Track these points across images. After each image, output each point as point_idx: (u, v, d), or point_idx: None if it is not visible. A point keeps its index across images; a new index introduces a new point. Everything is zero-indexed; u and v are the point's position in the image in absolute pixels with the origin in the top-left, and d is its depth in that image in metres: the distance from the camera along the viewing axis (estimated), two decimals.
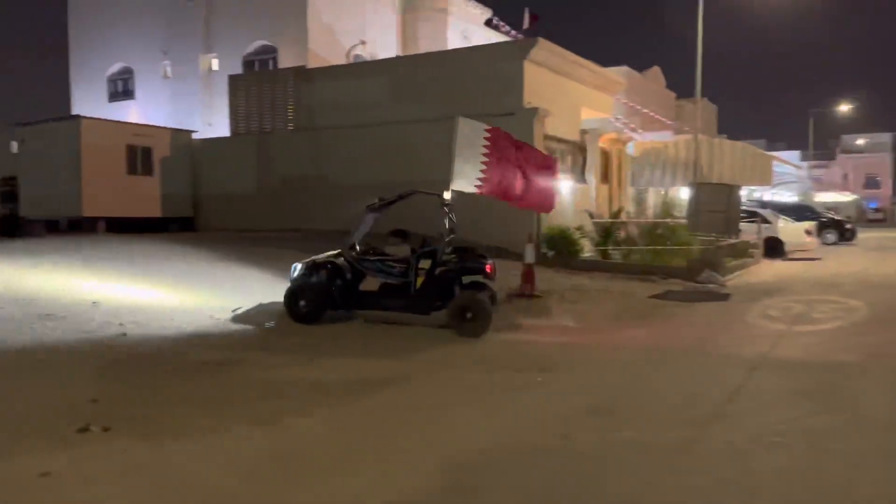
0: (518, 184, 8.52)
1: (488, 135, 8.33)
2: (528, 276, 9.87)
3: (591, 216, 15.34)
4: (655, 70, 32.05)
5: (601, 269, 13.01)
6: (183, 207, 21.68)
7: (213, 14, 26.01)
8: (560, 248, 13.46)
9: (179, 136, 21.92)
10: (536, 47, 15.15)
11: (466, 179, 8.24)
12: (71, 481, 3.39)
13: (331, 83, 19.73)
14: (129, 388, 5.13)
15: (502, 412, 4.79)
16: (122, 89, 28.86)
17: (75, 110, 28.50)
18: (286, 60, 23.40)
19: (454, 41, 26.53)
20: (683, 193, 18.08)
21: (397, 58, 23.70)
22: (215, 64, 25.87)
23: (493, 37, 28.44)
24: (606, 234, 14.51)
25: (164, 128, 22.07)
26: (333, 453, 3.90)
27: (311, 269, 8.41)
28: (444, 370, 6.03)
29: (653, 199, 20.20)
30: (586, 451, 4.00)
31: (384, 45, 26.02)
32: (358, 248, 8.42)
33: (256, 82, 21.35)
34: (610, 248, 14.35)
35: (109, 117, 23.52)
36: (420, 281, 7.87)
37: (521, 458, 3.87)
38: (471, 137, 8.28)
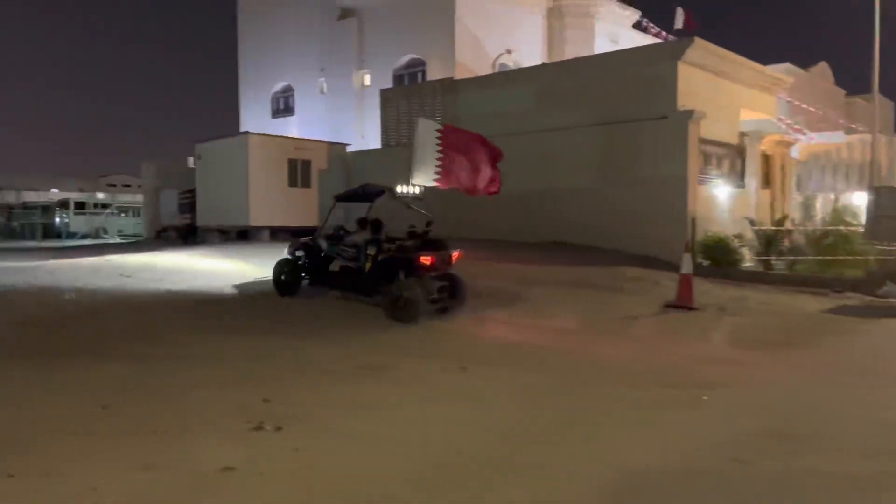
0: (472, 174, 9.61)
1: (440, 132, 9.34)
2: (684, 286, 9.41)
3: (752, 224, 14.38)
4: (822, 66, 29.59)
5: (763, 280, 12.16)
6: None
7: (366, 32, 27.19)
8: (718, 258, 12.74)
9: (335, 149, 23.10)
10: (692, 47, 14.46)
11: (425, 175, 9.28)
12: (250, 476, 3.61)
13: (477, 93, 19.94)
14: (296, 390, 5.41)
15: (661, 430, 4.57)
16: (283, 106, 30.92)
17: (243, 127, 30.92)
18: (434, 72, 23.98)
19: (601, 46, 25.96)
20: (858, 199, 16.54)
21: (544, 65, 23.51)
22: (367, 79, 27.04)
23: (642, 39, 27.55)
24: (769, 242, 13.54)
25: (322, 141, 23.37)
26: (494, 461, 3.87)
27: (294, 248, 10.22)
28: (597, 384, 5.86)
29: (822, 205, 18.63)
30: (763, 477, 3.71)
31: (530, 52, 25.97)
32: (323, 233, 10.08)
33: (406, 95, 22.01)
34: (773, 258, 13.38)
35: (273, 133, 25.28)
36: (368, 266, 9.02)
37: (689, 482, 3.66)
38: (426, 136, 9.24)
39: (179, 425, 4.41)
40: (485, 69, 23.87)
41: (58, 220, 38.55)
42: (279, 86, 30.87)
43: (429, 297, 8.47)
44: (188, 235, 23.77)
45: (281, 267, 10.01)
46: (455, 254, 9.04)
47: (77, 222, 37.87)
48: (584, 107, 16.09)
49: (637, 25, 29.01)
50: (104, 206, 42.06)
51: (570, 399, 5.32)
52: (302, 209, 21.81)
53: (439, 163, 9.19)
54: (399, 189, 9.39)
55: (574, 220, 16.10)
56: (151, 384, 5.42)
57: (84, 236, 35.52)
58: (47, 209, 40.89)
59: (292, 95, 30.40)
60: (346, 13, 27.44)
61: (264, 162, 20.99)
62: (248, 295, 10.49)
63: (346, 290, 9.46)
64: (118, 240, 33.39)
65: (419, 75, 25.15)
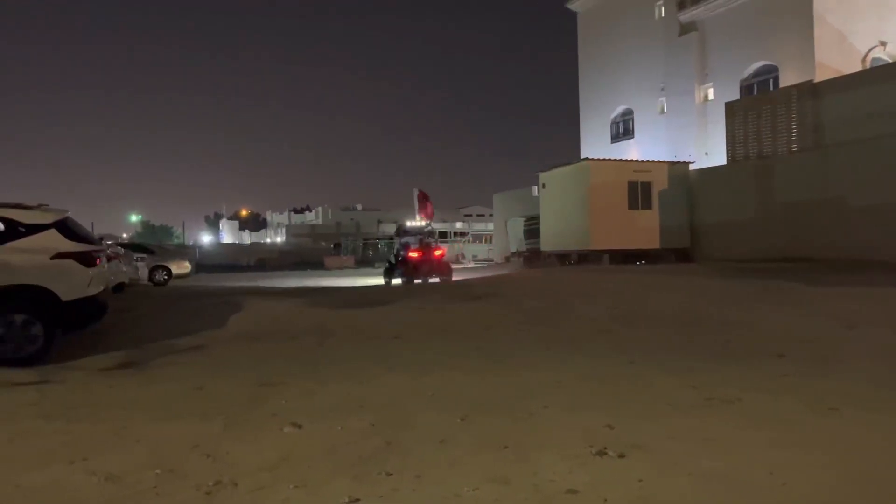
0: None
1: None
2: None
3: None
4: None
5: None
6: (680, 238, 21.99)
7: (708, 44, 25.99)
8: None
9: (676, 169, 22.38)
10: None
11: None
12: (593, 502, 3.64)
13: (844, 94, 17.63)
14: (639, 418, 5.31)
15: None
16: (622, 130, 31.04)
17: (584, 153, 31.79)
18: (788, 77, 21.86)
19: None
20: None
21: None
22: (711, 93, 25.74)
23: None
24: None
25: (662, 162, 22.85)
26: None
27: (389, 262, 21.05)
28: None
29: None
30: None
31: None
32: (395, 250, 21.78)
33: (755, 105, 20.43)
34: None
35: (611, 157, 25.50)
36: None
37: None
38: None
39: (528, 443, 4.64)
40: (852, 68, 21.00)
41: None
42: (619, 110, 31.08)
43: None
44: (533, 260, 25.14)
45: (385, 267, 21.66)
46: (439, 251, 20.37)
47: None
48: None
49: None
50: (462, 234, 46.75)
51: None
52: (642, 231, 21.55)
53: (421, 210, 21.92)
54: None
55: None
56: (502, 401, 5.83)
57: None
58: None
59: (631, 118, 30.36)
60: (686, 28, 26.58)
61: (604, 186, 21.26)
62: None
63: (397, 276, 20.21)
64: (472, 264, 36.66)
65: (770, 82, 23.15)
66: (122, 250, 17.18)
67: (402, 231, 21.59)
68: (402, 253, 20.05)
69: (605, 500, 3.64)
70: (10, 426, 5.21)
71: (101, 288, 8.20)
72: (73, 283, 7.67)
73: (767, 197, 19.13)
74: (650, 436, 4.82)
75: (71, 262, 7.66)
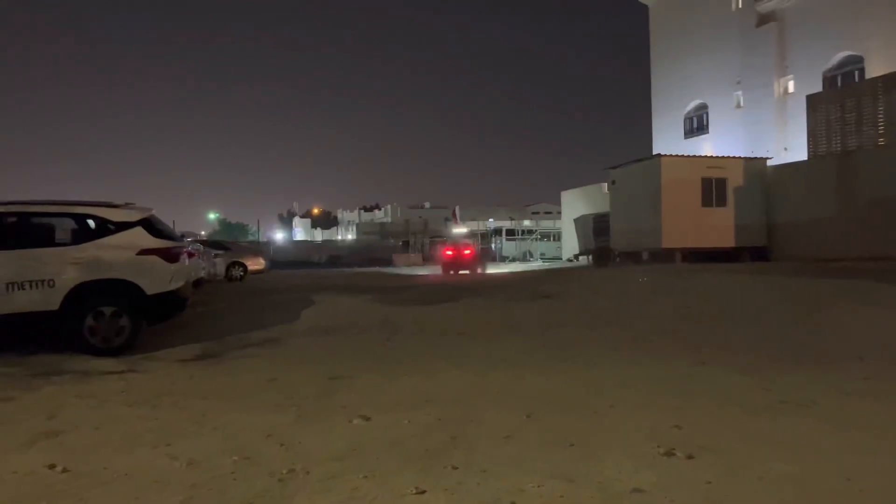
0: None
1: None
2: None
3: None
4: None
5: None
6: (756, 236, 21.28)
7: (788, 35, 25.01)
8: None
9: (753, 165, 21.66)
10: None
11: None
12: (659, 502, 3.61)
13: None
14: (709, 419, 5.22)
15: None
16: (696, 125, 30.21)
17: (656, 149, 31.09)
18: (875, 69, 20.83)
19: None
20: None
21: None
22: (791, 86, 24.77)
23: None
24: None
25: (738, 158, 22.14)
26: None
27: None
28: None
29: None
30: None
31: None
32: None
33: (838, 98, 19.57)
34: None
35: (684, 153, 24.85)
36: None
37: None
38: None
39: (594, 441, 4.63)
40: None
41: (493, 245, 44.03)
42: (692, 104, 30.28)
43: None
44: (603, 258, 24.77)
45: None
46: (468, 250, 25.17)
47: (508, 247, 42.76)
48: None
49: None
50: (530, 232, 46.59)
51: None
52: (716, 229, 20.96)
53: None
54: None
55: None
56: (568, 399, 5.82)
57: (514, 259, 39.83)
58: (485, 236, 46.98)
59: (706, 113, 29.51)
60: (764, 19, 25.65)
61: (676, 183, 20.76)
62: None
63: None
64: (540, 262, 36.46)
65: (855, 74, 22.10)
66: (201, 247, 17.85)
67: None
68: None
69: (673, 501, 3.60)
70: (99, 412, 5.55)
71: (182, 283, 8.61)
72: (157, 278, 8.10)
73: (850, 194, 18.29)
74: (720, 437, 4.73)
75: (155, 259, 8.09)
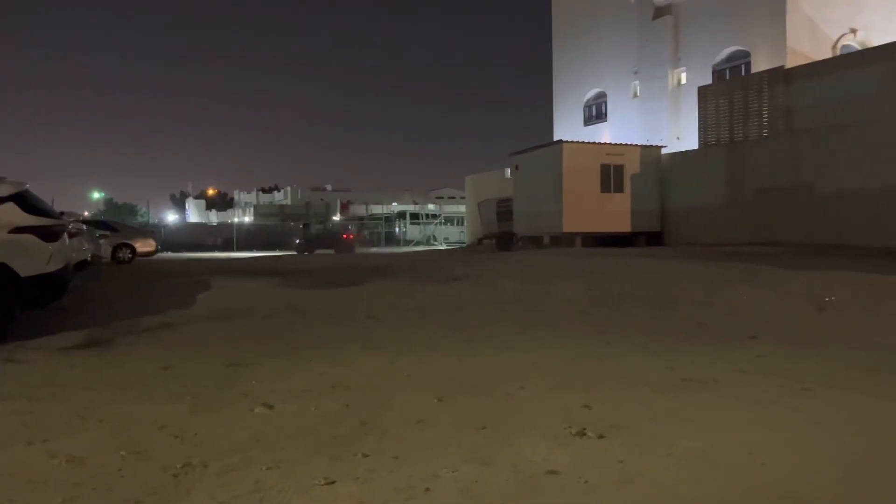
0: None
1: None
2: None
3: None
4: None
5: None
6: (651, 222, 22.12)
7: (682, 28, 26.06)
8: None
9: (648, 153, 22.47)
10: None
11: None
12: (574, 483, 3.56)
13: (813, 81, 17.83)
14: (618, 399, 5.27)
15: None
16: (595, 113, 31.06)
17: (556, 136, 31.75)
18: (760, 63, 22.01)
19: None
20: None
21: None
22: (683, 78, 25.85)
23: None
24: None
25: (635, 145, 22.91)
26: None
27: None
28: None
29: None
30: None
31: (882, 29, 22.43)
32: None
33: (727, 90, 20.57)
34: None
35: (584, 139, 25.50)
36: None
37: None
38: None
39: (506, 424, 4.57)
40: (822, 55, 21.23)
41: (397, 229, 43.85)
42: (592, 92, 31.08)
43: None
44: (506, 242, 25.10)
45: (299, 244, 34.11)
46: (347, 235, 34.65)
47: (412, 231, 42.74)
48: None
49: None
50: (433, 216, 46.64)
51: None
52: (614, 215, 21.64)
53: None
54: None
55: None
56: (479, 381, 5.74)
57: (417, 243, 39.82)
58: (388, 220, 46.71)
59: (605, 101, 30.38)
60: (660, 12, 26.61)
61: (577, 169, 21.26)
62: None
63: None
64: (444, 246, 36.62)
65: (742, 68, 23.32)
66: (83, 227, 16.63)
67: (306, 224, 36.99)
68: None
69: (586, 482, 3.57)
70: None
71: (63, 264, 7.90)
72: (33, 259, 7.36)
73: (738, 182, 19.31)
74: (629, 416, 4.78)
75: (30, 237, 7.35)
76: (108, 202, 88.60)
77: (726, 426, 4.60)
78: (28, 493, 3.42)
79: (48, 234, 7.54)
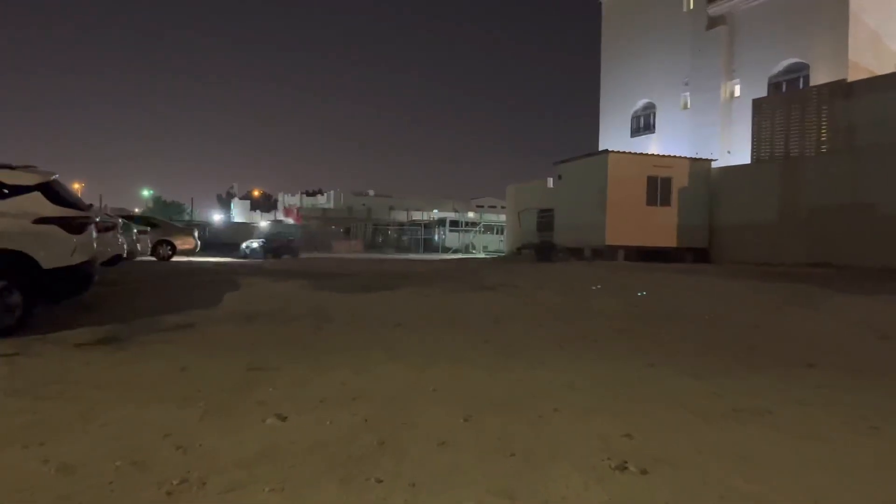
0: None
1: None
2: None
3: None
4: None
5: None
6: (698, 238, 21.36)
7: (736, 40, 25.23)
8: None
9: (698, 166, 21.72)
10: None
11: None
12: None
13: (878, 95, 16.93)
14: (662, 428, 4.79)
15: None
16: (643, 124, 30.31)
17: (602, 147, 31.08)
18: (819, 76, 21.10)
19: None
20: None
21: None
22: (737, 90, 25.02)
23: None
24: None
25: (684, 158, 22.17)
26: None
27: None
28: None
29: None
30: None
31: None
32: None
33: (783, 104, 19.72)
34: None
35: (631, 151, 24.81)
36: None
37: None
38: None
39: (537, 451, 4.14)
40: (885, 69, 20.24)
41: (436, 236, 43.65)
42: (640, 103, 30.37)
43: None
44: (545, 253, 24.53)
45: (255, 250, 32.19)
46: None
47: (451, 238, 42.44)
48: None
49: None
50: (473, 224, 46.30)
51: None
52: (660, 229, 20.94)
53: None
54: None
55: None
56: (510, 400, 5.32)
57: (456, 251, 39.50)
58: (428, 226, 46.56)
59: (653, 113, 29.63)
60: (714, 22, 25.82)
61: (622, 180, 20.62)
62: None
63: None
64: (482, 255, 36.20)
65: (800, 81, 22.40)
66: (119, 221, 16.65)
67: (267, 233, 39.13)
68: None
69: None
70: None
71: (87, 257, 7.71)
72: (56, 251, 7.18)
73: (792, 199, 18.45)
74: (674, 449, 4.30)
75: (54, 228, 7.17)
76: (157, 200, 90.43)
77: (786, 467, 4.09)
78: (11, 503, 3.14)
79: (73, 226, 7.36)
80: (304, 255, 34.02)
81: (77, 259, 7.40)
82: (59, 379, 5.55)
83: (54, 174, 7.65)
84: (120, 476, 3.49)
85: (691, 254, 20.84)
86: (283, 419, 4.57)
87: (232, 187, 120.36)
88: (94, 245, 7.97)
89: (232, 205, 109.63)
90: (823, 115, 18.01)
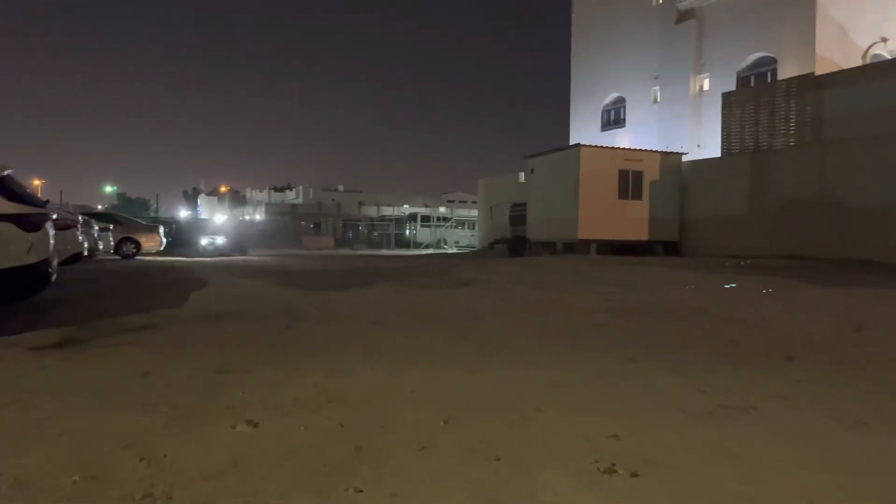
0: None
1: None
2: None
3: None
4: None
5: None
6: (669, 231, 21.46)
7: (705, 34, 25.40)
8: None
9: (669, 159, 21.81)
10: None
11: None
12: None
13: (845, 89, 17.09)
14: (649, 427, 4.65)
15: None
16: (613, 118, 30.42)
17: (572, 141, 31.10)
18: (787, 70, 21.33)
19: None
20: None
21: None
22: (706, 84, 25.20)
23: None
24: None
25: (655, 151, 22.26)
26: None
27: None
28: None
29: None
30: None
31: None
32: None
33: (752, 97, 19.87)
34: None
35: (601, 145, 24.82)
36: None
37: None
38: None
39: (523, 454, 3.96)
40: (852, 63, 20.50)
41: (407, 231, 43.43)
42: (610, 97, 30.47)
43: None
44: (518, 247, 24.46)
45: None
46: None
47: (423, 234, 42.30)
48: None
49: None
50: (445, 219, 46.18)
51: None
52: (631, 222, 20.98)
53: None
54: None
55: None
56: (492, 400, 5.14)
57: (427, 246, 39.34)
58: (399, 222, 46.30)
59: (623, 106, 29.75)
60: (683, 16, 25.96)
61: (594, 174, 20.60)
62: None
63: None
64: (454, 249, 36.04)
65: (768, 75, 22.62)
66: (79, 218, 16.09)
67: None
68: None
69: None
70: None
71: (44, 257, 7.33)
72: (10, 249, 6.80)
73: (761, 192, 18.59)
74: (663, 449, 4.16)
75: (8, 226, 6.78)
76: (121, 196, 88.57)
77: (778, 466, 3.97)
78: None
79: (29, 224, 6.98)
80: (276, 252, 33.52)
81: (33, 258, 7.02)
82: (12, 386, 5.22)
83: (8, 169, 7.25)
84: (77, 492, 3.23)
85: (662, 247, 20.92)
86: (254, 425, 4.33)
87: (199, 183, 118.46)
88: (52, 243, 7.60)
89: (199, 201, 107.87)
90: (792, 109, 18.17)
